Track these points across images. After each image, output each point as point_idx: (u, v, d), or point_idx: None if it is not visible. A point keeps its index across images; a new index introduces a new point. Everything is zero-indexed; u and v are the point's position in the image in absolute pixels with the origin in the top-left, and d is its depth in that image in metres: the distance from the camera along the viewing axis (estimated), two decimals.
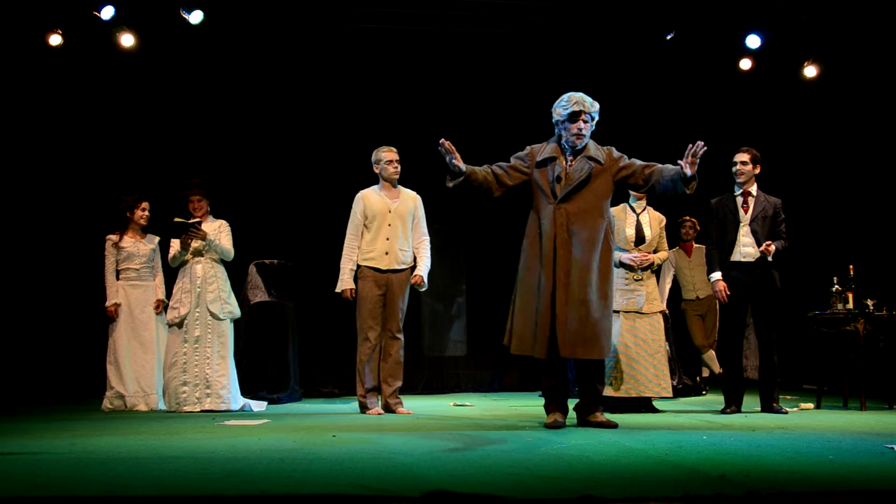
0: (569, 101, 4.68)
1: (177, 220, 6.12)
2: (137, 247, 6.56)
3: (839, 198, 8.74)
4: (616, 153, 4.79)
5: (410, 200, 6.10)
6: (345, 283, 5.97)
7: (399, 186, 6.11)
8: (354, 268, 5.98)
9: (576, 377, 5.15)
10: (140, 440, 4.08)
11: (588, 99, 4.71)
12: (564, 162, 4.71)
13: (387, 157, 6.02)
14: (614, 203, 5.26)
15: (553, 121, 4.79)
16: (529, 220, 4.79)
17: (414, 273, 6.01)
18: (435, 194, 6.47)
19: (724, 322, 6.06)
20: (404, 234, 6.01)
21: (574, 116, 4.64)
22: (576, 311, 4.52)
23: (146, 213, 6.61)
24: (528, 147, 4.87)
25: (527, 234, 4.78)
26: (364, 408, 5.85)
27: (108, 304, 6.47)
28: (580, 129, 4.65)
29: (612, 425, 4.63)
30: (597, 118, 4.75)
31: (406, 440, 4.02)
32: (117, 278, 6.53)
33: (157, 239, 6.68)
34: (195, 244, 6.18)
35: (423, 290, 6.08)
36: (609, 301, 4.66)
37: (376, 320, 5.89)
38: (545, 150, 4.78)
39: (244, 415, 5.81)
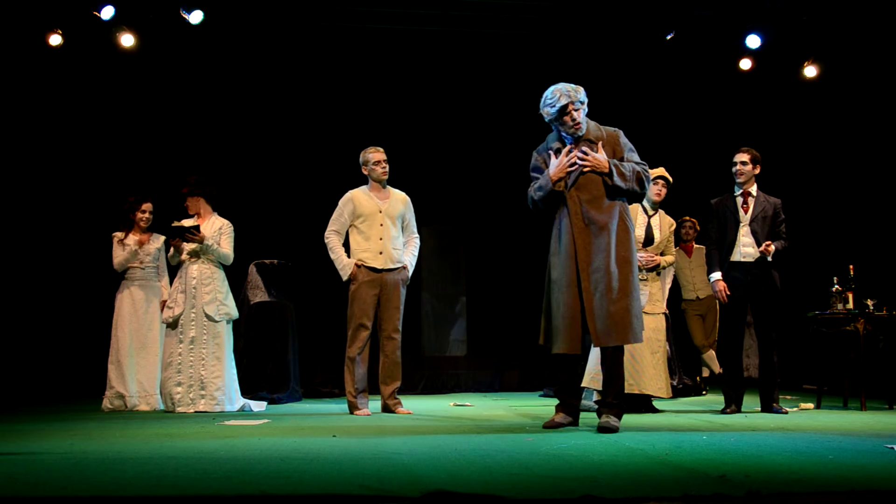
0: (553, 97, 4.61)
1: (174, 224, 6.10)
2: (143, 246, 6.57)
3: (839, 198, 8.74)
4: (623, 139, 4.70)
5: (400, 202, 6.09)
6: (347, 264, 5.93)
7: (388, 187, 6.12)
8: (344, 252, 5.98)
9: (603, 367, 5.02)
10: (140, 440, 4.08)
11: (570, 87, 4.62)
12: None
13: (375, 158, 6.00)
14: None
15: (546, 121, 4.76)
16: (553, 225, 4.73)
17: None
18: (435, 194, 6.49)
19: (724, 322, 6.07)
20: (396, 234, 6.02)
21: (564, 110, 4.60)
22: (602, 299, 4.43)
23: (146, 214, 6.61)
24: (533, 155, 4.80)
25: (552, 236, 4.70)
26: (353, 408, 5.81)
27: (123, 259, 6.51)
28: (574, 120, 4.60)
29: (611, 430, 4.55)
30: (585, 100, 4.67)
31: (406, 440, 4.02)
32: (122, 278, 6.55)
33: (162, 238, 6.67)
34: (192, 246, 6.16)
35: (405, 284, 6.08)
36: (632, 284, 4.53)
37: (369, 319, 5.88)
38: (549, 146, 4.76)
39: (244, 415, 5.80)
